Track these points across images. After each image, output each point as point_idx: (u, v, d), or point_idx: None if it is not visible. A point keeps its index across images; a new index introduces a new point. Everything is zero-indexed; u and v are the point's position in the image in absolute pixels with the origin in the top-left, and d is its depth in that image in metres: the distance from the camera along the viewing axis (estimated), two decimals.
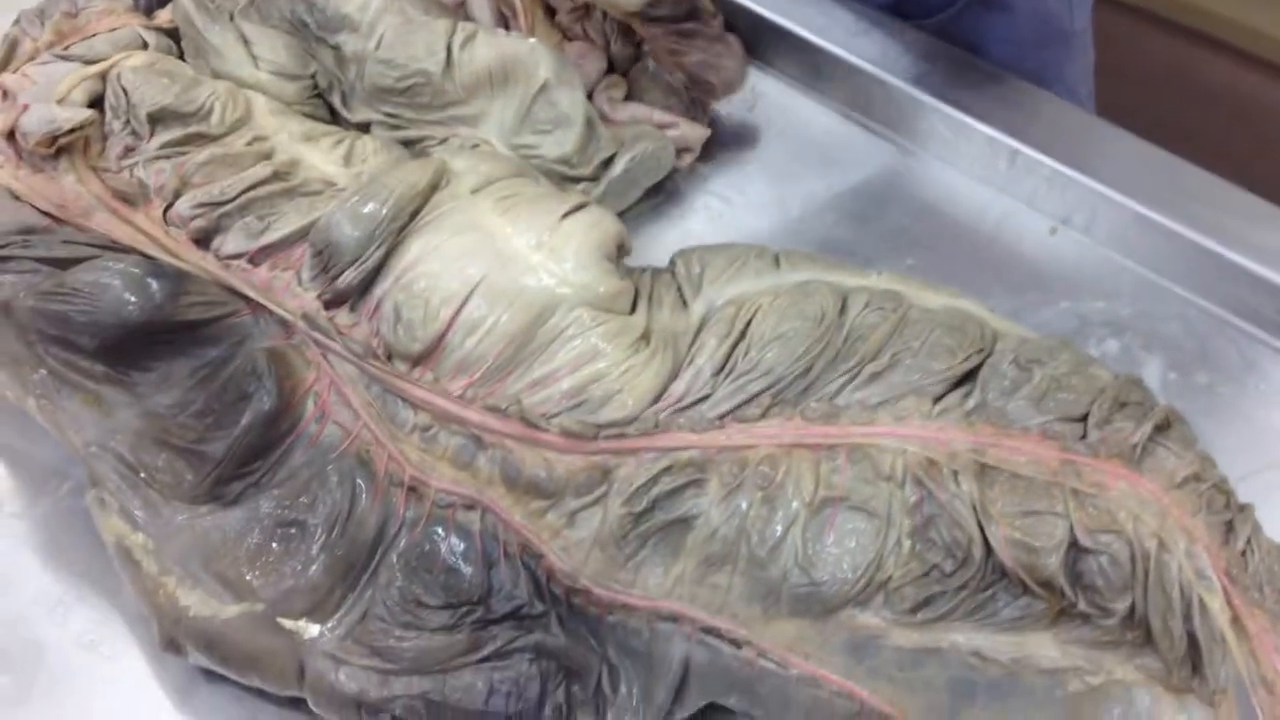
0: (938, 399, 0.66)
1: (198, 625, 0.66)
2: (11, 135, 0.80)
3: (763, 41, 0.99)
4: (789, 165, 0.93)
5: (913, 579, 0.62)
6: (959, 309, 0.71)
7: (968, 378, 0.67)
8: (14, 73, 0.87)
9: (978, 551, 0.61)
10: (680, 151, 0.92)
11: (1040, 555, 0.60)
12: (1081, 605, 0.60)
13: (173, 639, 0.67)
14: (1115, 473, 0.62)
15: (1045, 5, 1.06)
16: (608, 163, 0.87)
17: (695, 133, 0.92)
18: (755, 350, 0.69)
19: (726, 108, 0.96)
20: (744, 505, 0.64)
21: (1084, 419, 0.65)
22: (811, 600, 0.62)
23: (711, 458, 0.66)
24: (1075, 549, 0.60)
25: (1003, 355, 0.67)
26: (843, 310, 0.70)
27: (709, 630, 0.64)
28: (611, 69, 0.94)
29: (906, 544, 0.62)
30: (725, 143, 0.94)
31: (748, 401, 0.67)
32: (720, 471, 0.65)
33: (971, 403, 0.66)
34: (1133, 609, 0.59)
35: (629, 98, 0.93)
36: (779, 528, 0.63)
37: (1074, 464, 0.63)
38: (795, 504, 0.63)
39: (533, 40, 0.87)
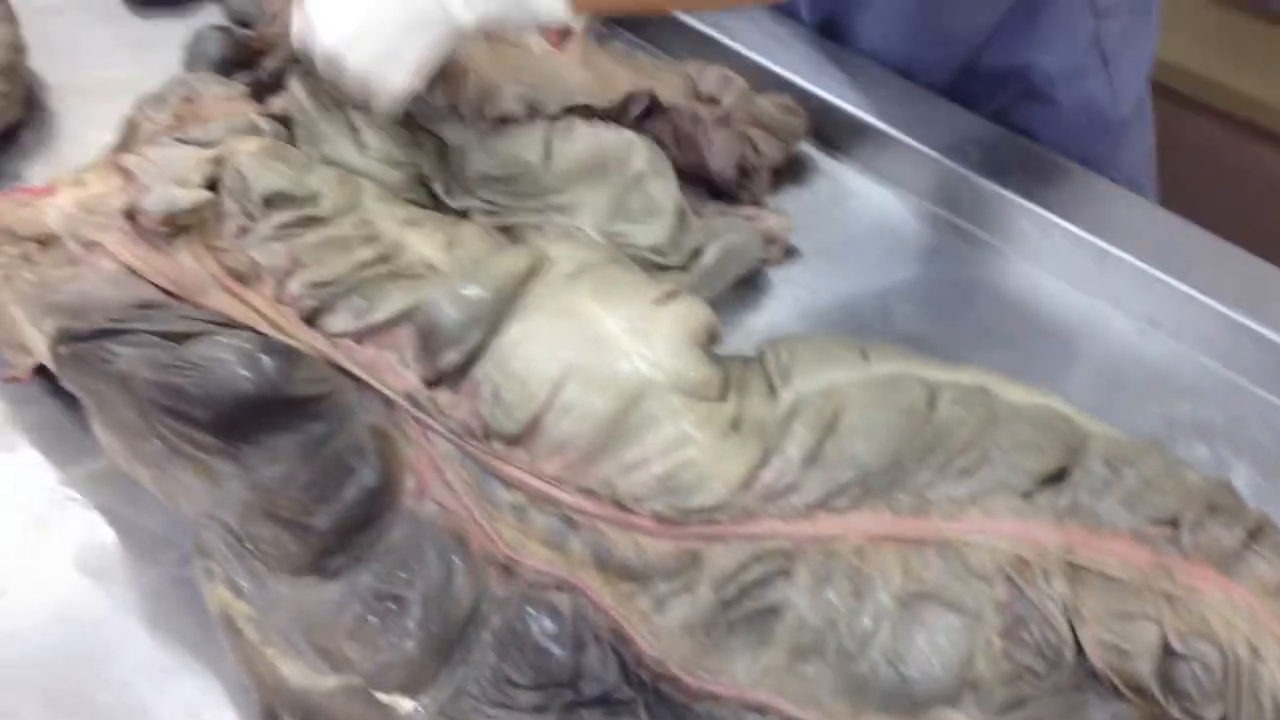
0: (1027, 496, 0.67)
1: (297, 695, 0.67)
2: (131, 214, 0.84)
3: (849, 136, 1.01)
4: (874, 259, 0.95)
5: (1004, 679, 0.62)
6: (1047, 407, 0.71)
7: (1057, 476, 0.68)
8: (134, 154, 0.91)
9: (1069, 653, 0.61)
10: (767, 243, 0.94)
11: (1132, 659, 0.60)
12: (1173, 711, 0.60)
13: (272, 709, 0.68)
14: (1208, 577, 0.63)
15: (1089, 94, 1.06)
16: (697, 253, 0.90)
17: (783, 225, 0.94)
18: (844, 441, 0.70)
19: (814, 201, 0.98)
20: (833, 596, 0.65)
21: (1175, 522, 0.65)
22: (901, 696, 0.63)
23: (800, 547, 0.67)
24: (1168, 654, 0.61)
25: (1093, 455, 0.68)
26: (932, 404, 0.71)
27: None
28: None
29: (997, 643, 0.63)
30: (811, 236, 0.96)
31: (837, 492, 0.68)
32: (809, 561, 0.66)
33: (1062, 502, 0.66)
34: (1224, 717, 0.59)
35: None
36: (868, 620, 0.64)
37: (1166, 567, 0.63)
38: (884, 597, 0.64)
39: (629, 133, 0.90)
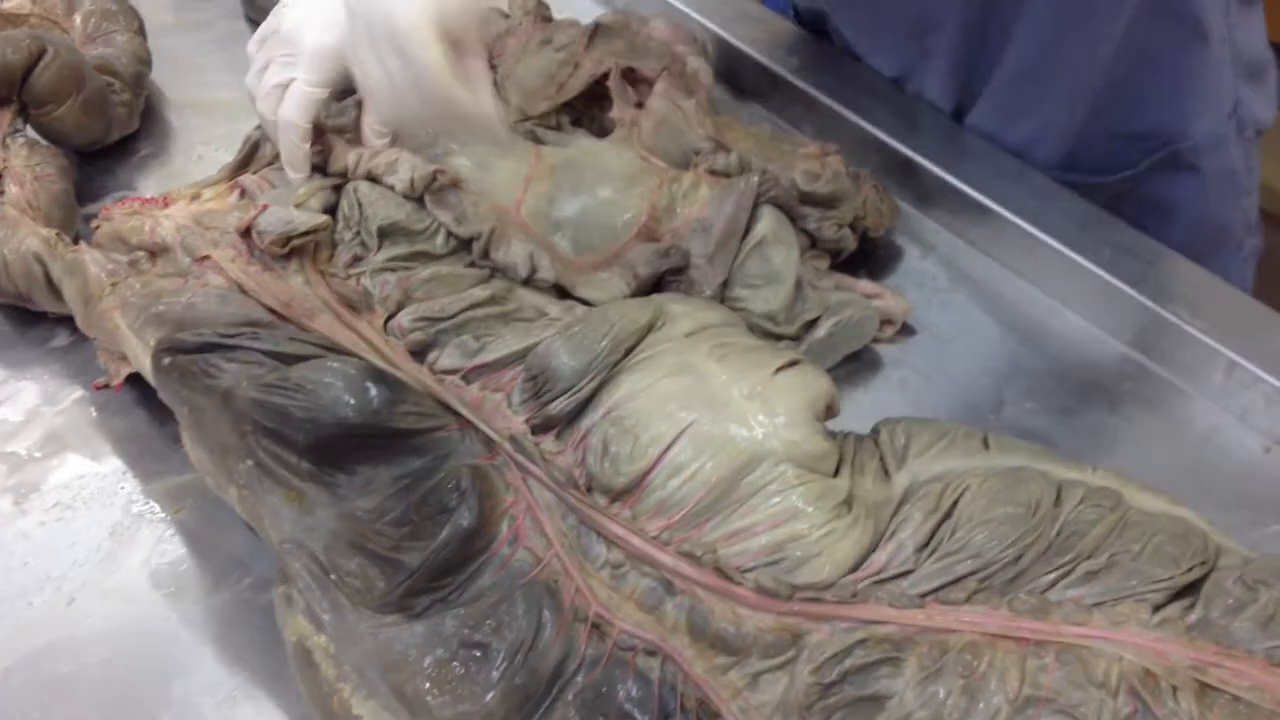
0: (1157, 608, 0.63)
1: None
2: (247, 232, 0.84)
3: (973, 221, 0.99)
4: (990, 348, 0.92)
5: None
6: (1181, 517, 0.68)
7: (1189, 590, 0.64)
8: (253, 174, 0.91)
9: None
10: (883, 322, 0.91)
11: None
12: None
13: None
14: None
15: (1229, 164, 1.04)
16: (811, 324, 0.87)
17: (900, 305, 0.92)
18: (963, 531, 0.67)
19: (933, 284, 0.96)
20: (942, 693, 0.61)
21: None
22: None
23: (910, 636, 0.63)
24: None
25: (1227, 571, 0.64)
26: (1058, 502, 0.68)
27: None
28: (814, 244, 0.94)
29: None
30: (927, 319, 0.93)
31: (953, 583, 0.65)
32: (919, 652, 0.63)
33: (1193, 617, 0.63)
34: None
35: None
36: None
37: None
38: (998, 699, 0.60)
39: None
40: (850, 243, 0.94)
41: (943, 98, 1.06)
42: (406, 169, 0.84)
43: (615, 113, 0.96)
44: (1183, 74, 0.99)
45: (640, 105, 0.97)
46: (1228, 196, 1.06)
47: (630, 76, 0.99)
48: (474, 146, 0.88)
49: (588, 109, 1.00)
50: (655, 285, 0.86)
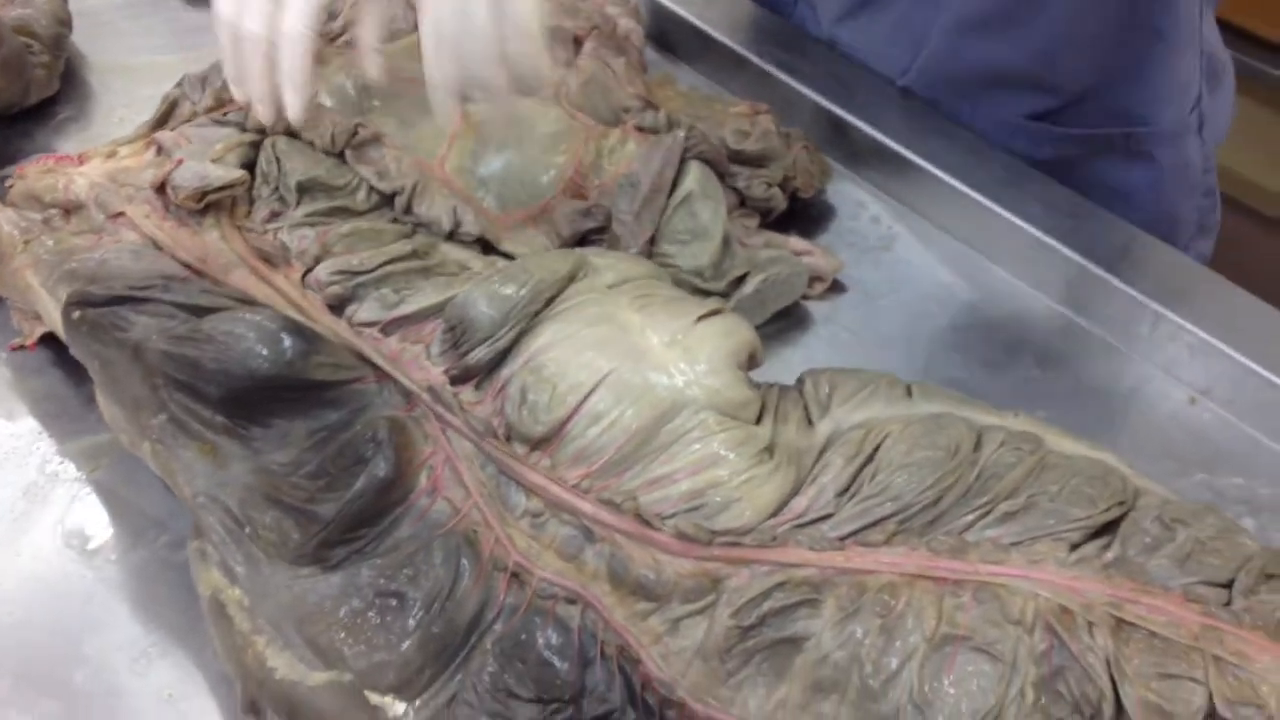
0: (1074, 547, 0.63)
1: (282, 689, 0.63)
2: (162, 188, 0.82)
3: (904, 180, 0.99)
4: (920, 304, 0.92)
5: None
6: (1100, 460, 0.68)
7: (1106, 529, 0.64)
8: (170, 131, 0.89)
9: (1108, 709, 0.57)
10: (813, 280, 0.91)
11: None
12: None
13: (254, 701, 0.64)
14: (1260, 645, 0.59)
15: (1186, 158, 1.04)
16: (740, 281, 0.87)
17: (830, 263, 0.91)
18: (883, 475, 0.66)
19: (864, 243, 0.96)
20: (859, 632, 0.61)
21: (1229, 585, 0.61)
22: None
23: (829, 578, 0.63)
24: (1212, 719, 0.56)
25: (1145, 511, 0.64)
26: (977, 446, 0.68)
27: None
28: (743, 203, 0.94)
29: (1030, 694, 0.58)
30: (858, 276, 0.93)
31: (872, 525, 0.65)
32: (837, 594, 0.62)
33: (1110, 555, 0.63)
34: None
35: None
36: (895, 660, 0.60)
37: (1216, 630, 0.59)
38: (915, 637, 0.60)
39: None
40: (780, 202, 0.94)
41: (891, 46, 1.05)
42: (327, 124, 0.83)
43: None
44: (1153, 60, 0.99)
45: (569, 65, 0.96)
46: (1181, 192, 1.06)
47: (560, 35, 0.98)
48: (396, 102, 0.86)
49: None
50: (579, 243, 0.85)
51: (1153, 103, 1.02)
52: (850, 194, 1.00)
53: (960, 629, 0.60)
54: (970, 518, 0.65)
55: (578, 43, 0.98)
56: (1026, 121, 1.02)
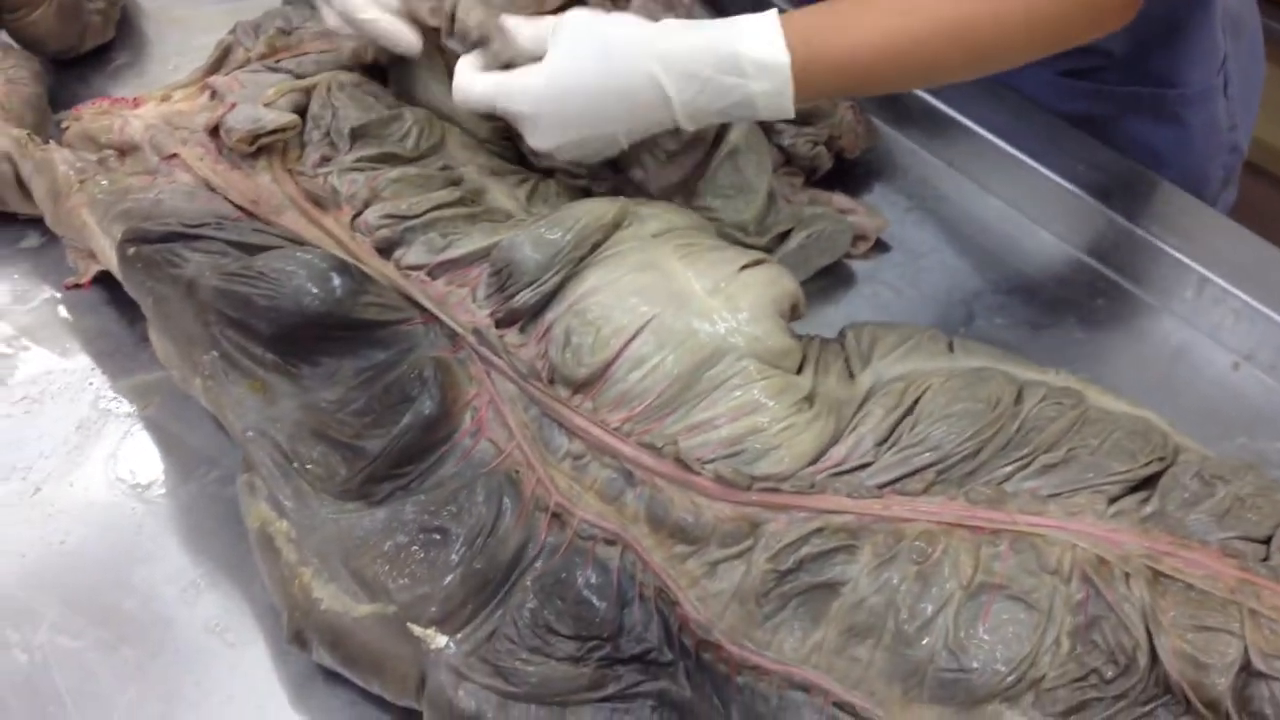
0: (1113, 500, 0.63)
1: (327, 620, 0.65)
2: (215, 131, 0.83)
3: (949, 140, 0.98)
4: (963, 264, 0.92)
5: (1068, 681, 0.58)
6: (1141, 416, 0.68)
7: (1146, 484, 0.64)
8: (224, 76, 0.90)
9: (1143, 659, 0.57)
10: (857, 238, 0.91)
11: (1210, 673, 0.56)
12: None
13: (300, 631, 0.66)
14: None
15: (1213, 118, 1.04)
16: (784, 236, 0.87)
17: (874, 222, 0.92)
18: (923, 425, 0.67)
19: (908, 202, 0.96)
20: (895, 579, 0.62)
21: (1267, 541, 0.61)
22: (957, 687, 0.59)
23: (866, 525, 0.64)
24: (1247, 672, 0.57)
25: (1185, 467, 0.64)
26: (1019, 400, 0.68)
27: (842, 705, 0.61)
28: (788, 161, 0.94)
29: (1066, 643, 0.59)
30: (902, 235, 0.93)
31: (911, 474, 0.65)
32: (874, 541, 0.63)
33: (1149, 509, 0.63)
34: None
35: None
36: (930, 606, 0.61)
37: (1253, 585, 0.59)
38: (951, 584, 0.61)
39: None
40: (825, 160, 0.94)
41: None
42: None
43: None
44: (1186, 24, 0.98)
45: None
46: (1208, 151, 1.05)
47: None
48: None
49: None
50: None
51: (1183, 66, 1.01)
52: (894, 154, 1.00)
53: (996, 577, 0.61)
54: (1009, 469, 0.65)
55: None
56: (1057, 77, 1.02)
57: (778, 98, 0.74)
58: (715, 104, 0.74)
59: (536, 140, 0.77)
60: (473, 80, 0.78)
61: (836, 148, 0.95)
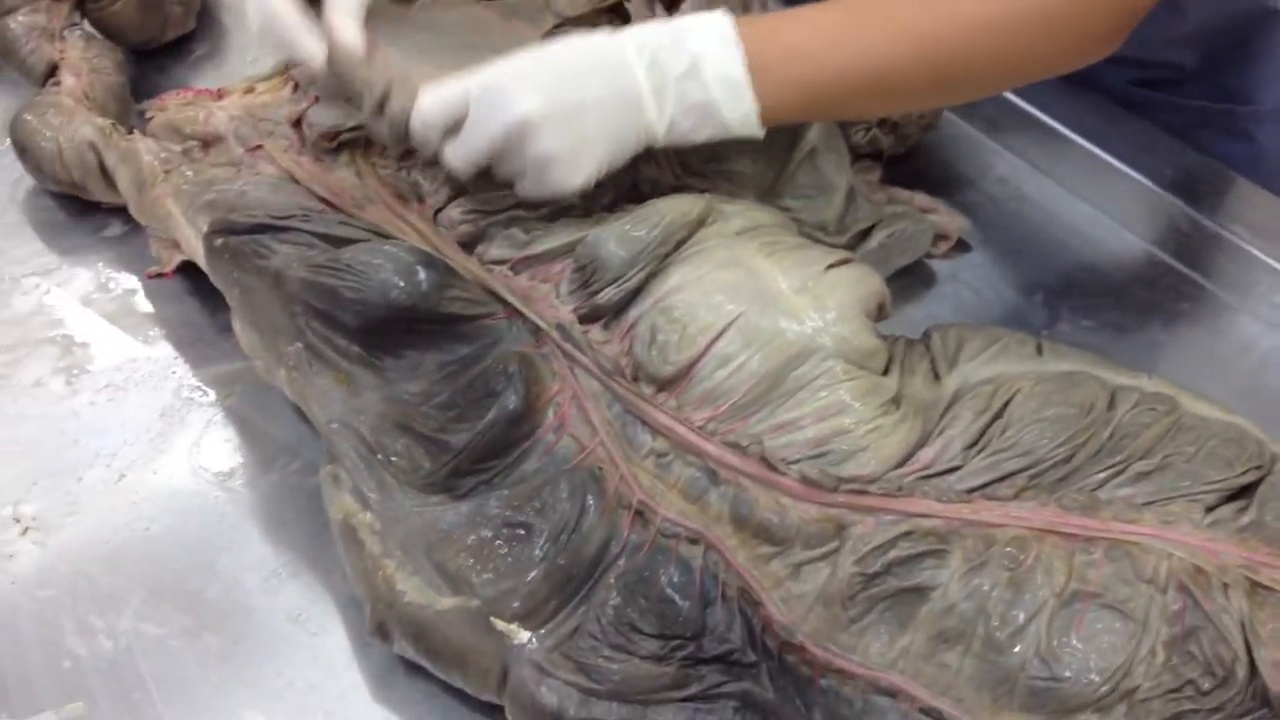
0: (1210, 509, 0.62)
1: (410, 612, 0.65)
2: (298, 124, 0.84)
3: (1028, 139, 0.97)
4: (1045, 266, 0.90)
5: (1163, 692, 0.57)
6: (1234, 423, 0.67)
7: (1243, 493, 0.63)
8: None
9: (1241, 672, 0.56)
10: (938, 237, 0.90)
11: None
12: None
13: (383, 623, 0.66)
14: None
15: None
16: (864, 235, 0.86)
17: (955, 221, 0.90)
18: (1014, 430, 0.66)
19: (990, 202, 0.95)
20: (987, 585, 0.61)
21: None
22: (1048, 696, 0.58)
23: (956, 530, 0.63)
24: None
25: None
26: (1111, 405, 0.67)
27: (928, 711, 0.60)
28: (861, 156, 0.93)
29: (1161, 654, 0.58)
30: (985, 236, 0.92)
31: (1001, 479, 0.64)
32: (964, 545, 0.62)
33: (1246, 519, 0.62)
34: None
35: None
36: (1022, 613, 0.60)
37: None
38: (1044, 592, 0.60)
39: None
40: (882, 142, 0.92)
41: None
42: None
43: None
44: (1261, 42, 0.96)
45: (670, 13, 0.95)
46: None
47: None
48: None
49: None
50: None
51: (1255, 83, 0.99)
52: (976, 155, 0.99)
53: (1091, 585, 0.60)
54: (1102, 476, 0.64)
55: None
56: (1130, 86, 1.00)
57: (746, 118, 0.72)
58: (685, 125, 0.73)
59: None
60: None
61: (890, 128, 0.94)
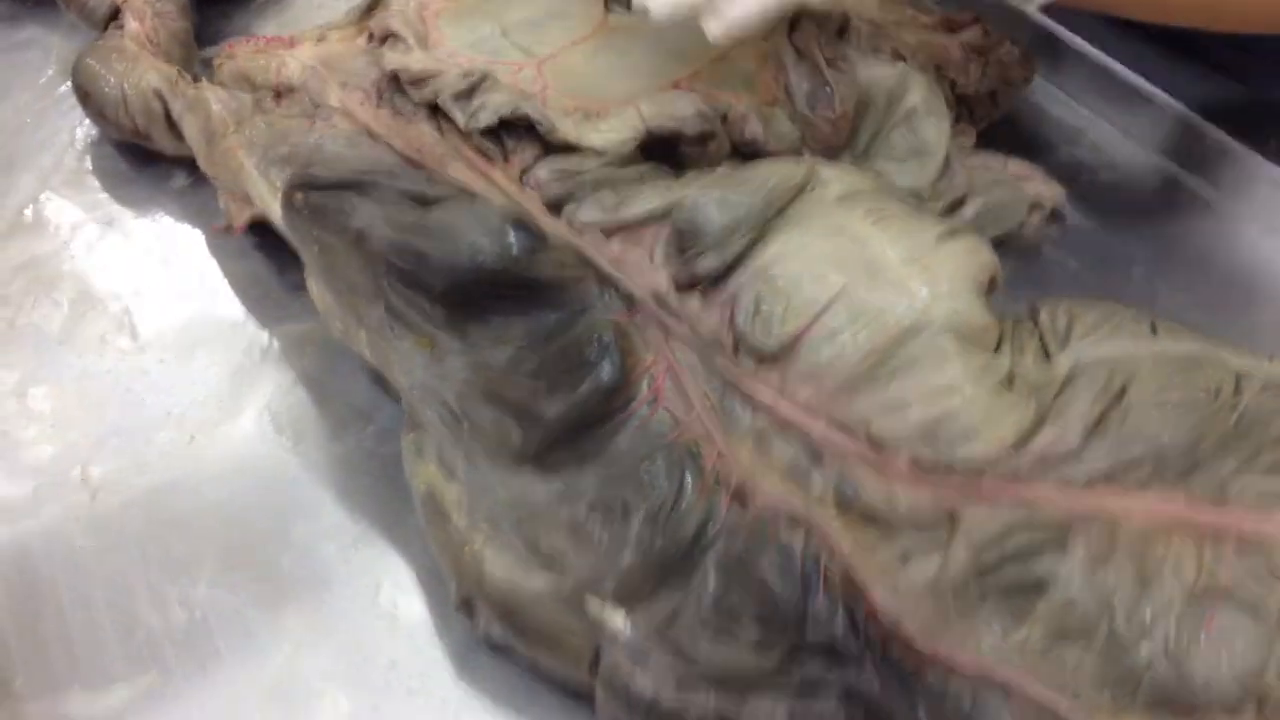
0: None
1: (499, 590, 0.62)
2: (395, 79, 0.80)
3: (1126, 109, 0.93)
4: (1143, 238, 0.87)
5: None
6: None
7: None
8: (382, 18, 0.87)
9: None
10: (1032, 207, 0.86)
11: None
12: None
13: (469, 599, 0.64)
14: None
15: None
16: (958, 204, 0.83)
17: (1051, 190, 0.87)
18: (1135, 415, 0.63)
19: (1084, 170, 0.91)
20: (1111, 579, 0.58)
21: None
22: (1176, 697, 0.55)
23: (1078, 520, 0.60)
24: None
25: None
26: (1237, 390, 0.63)
27: (1044, 709, 0.58)
28: (958, 119, 0.89)
29: None
30: (1079, 206, 0.88)
31: (1125, 468, 0.61)
32: (1086, 537, 0.59)
33: None
34: None
35: None
36: (1149, 611, 0.57)
37: None
38: (1172, 588, 0.57)
39: (904, 65, 0.83)
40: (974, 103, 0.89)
41: None
42: None
43: None
44: None
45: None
46: None
47: None
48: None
49: None
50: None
51: None
52: (1069, 120, 0.95)
53: (1221, 582, 0.57)
54: (1232, 465, 0.61)
55: None
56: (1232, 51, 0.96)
57: None
58: None
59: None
60: None
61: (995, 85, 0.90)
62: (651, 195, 0.72)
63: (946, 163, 0.82)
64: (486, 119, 0.74)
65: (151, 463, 0.73)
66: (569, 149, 0.74)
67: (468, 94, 0.76)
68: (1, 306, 0.80)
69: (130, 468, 0.73)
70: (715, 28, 0.70)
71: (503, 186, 0.74)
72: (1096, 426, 0.63)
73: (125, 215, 0.86)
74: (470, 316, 0.68)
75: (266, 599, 0.68)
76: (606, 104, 0.76)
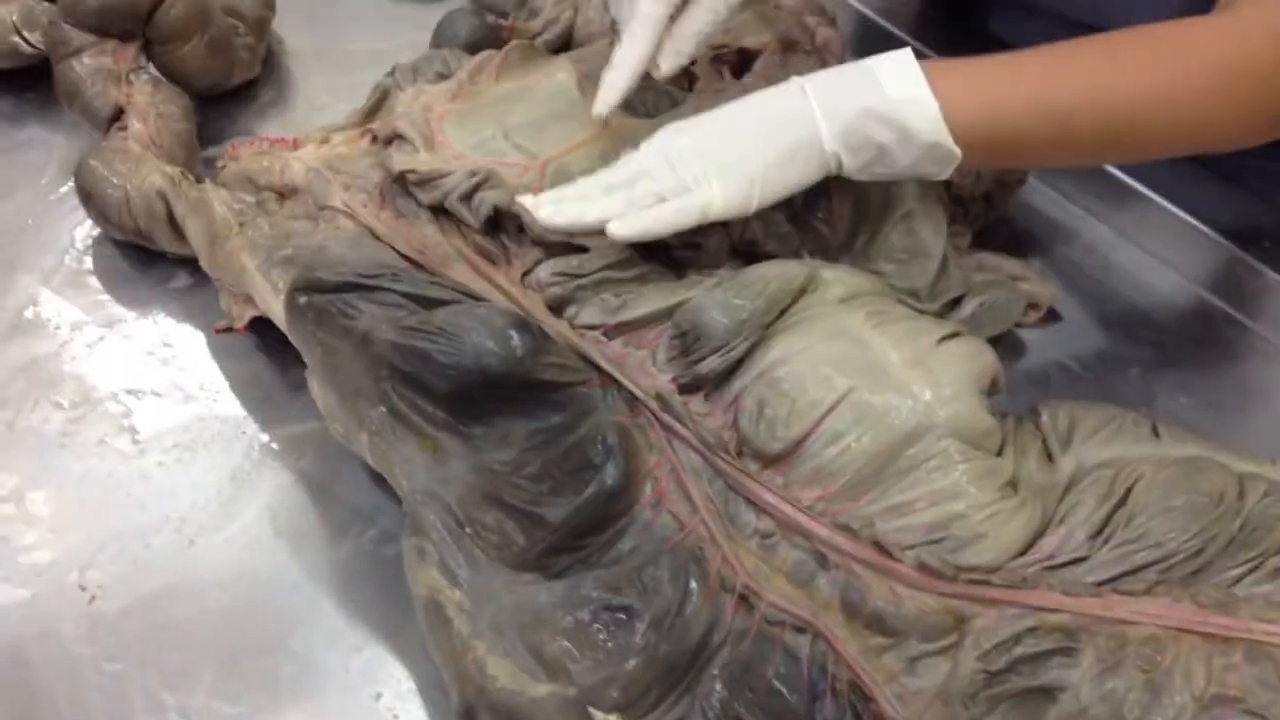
0: None
1: (503, 698, 0.62)
2: (400, 179, 0.81)
3: (1120, 208, 0.94)
4: (1140, 338, 0.88)
5: None
6: None
7: None
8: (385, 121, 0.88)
9: None
10: (1028, 307, 0.87)
11: None
12: None
13: (472, 708, 0.63)
14: None
15: None
16: (954, 303, 0.83)
17: (1046, 290, 0.88)
18: (1140, 519, 0.63)
19: (1078, 271, 0.92)
20: (1121, 688, 0.57)
21: None
22: None
23: (1086, 626, 0.60)
24: None
25: None
26: (1240, 495, 0.64)
27: None
28: (953, 219, 0.90)
29: None
30: (1075, 306, 0.89)
31: (1131, 573, 0.61)
32: (1095, 644, 0.59)
33: None
34: None
35: None
36: (1160, 719, 0.56)
37: None
38: (1182, 696, 0.57)
39: None
40: (980, 206, 0.90)
41: None
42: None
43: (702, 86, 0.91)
44: None
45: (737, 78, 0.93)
46: None
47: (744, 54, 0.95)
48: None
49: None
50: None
51: None
52: (1063, 221, 0.96)
53: (1231, 690, 0.57)
54: (1238, 571, 0.61)
55: (744, 59, 0.94)
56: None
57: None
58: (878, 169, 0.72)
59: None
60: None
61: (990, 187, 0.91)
62: (653, 297, 0.73)
63: (944, 263, 0.83)
64: (485, 212, 0.75)
65: (151, 568, 0.72)
66: (569, 249, 0.75)
67: (470, 194, 0.76)
68: (1, 409, 0.79)
69: (129, 573, 0.72)
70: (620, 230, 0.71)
71: (505, 288, 0.74)
72: (1101, 531, 0.63)
73: (126, 316, 0.86)
74: (473, 418, 0.68)
75: (265, 708, 0.67)
76: None
